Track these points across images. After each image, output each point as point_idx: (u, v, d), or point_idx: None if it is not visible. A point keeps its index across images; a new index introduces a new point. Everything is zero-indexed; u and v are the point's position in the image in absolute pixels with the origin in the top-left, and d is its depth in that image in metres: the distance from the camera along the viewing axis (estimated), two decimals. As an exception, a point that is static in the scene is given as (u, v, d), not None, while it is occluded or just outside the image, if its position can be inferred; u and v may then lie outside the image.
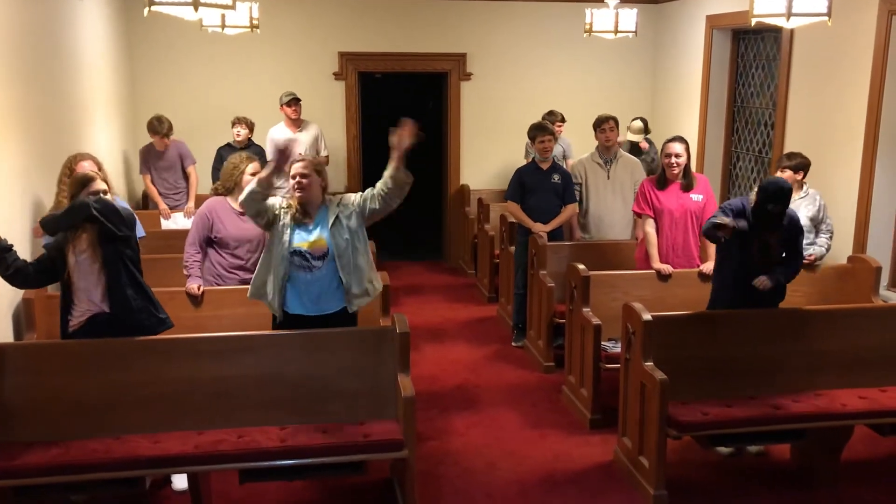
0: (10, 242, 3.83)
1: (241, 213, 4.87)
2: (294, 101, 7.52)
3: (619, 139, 6.76)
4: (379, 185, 4.15)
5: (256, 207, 4.08)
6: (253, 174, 4.93)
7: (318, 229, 4.14)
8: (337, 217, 4.15)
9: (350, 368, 4.09)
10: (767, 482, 4.51)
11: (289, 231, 4.11)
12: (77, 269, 3.92)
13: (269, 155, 7.54)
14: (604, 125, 6.44)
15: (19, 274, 3.86)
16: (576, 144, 8.16)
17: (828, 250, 5.47)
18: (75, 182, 4.06)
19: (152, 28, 7.96)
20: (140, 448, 3.72)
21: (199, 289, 4.87)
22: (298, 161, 4.19)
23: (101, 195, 3.94)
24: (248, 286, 4.84)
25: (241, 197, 4.13)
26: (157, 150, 7.21)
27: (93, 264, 3.91)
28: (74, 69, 6.10)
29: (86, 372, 3.88)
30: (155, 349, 3.97)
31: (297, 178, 4.12)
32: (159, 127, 7.07)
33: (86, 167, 4.70)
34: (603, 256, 6.10)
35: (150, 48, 8.27)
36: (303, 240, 4.12)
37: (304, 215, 4.15)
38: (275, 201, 4.20)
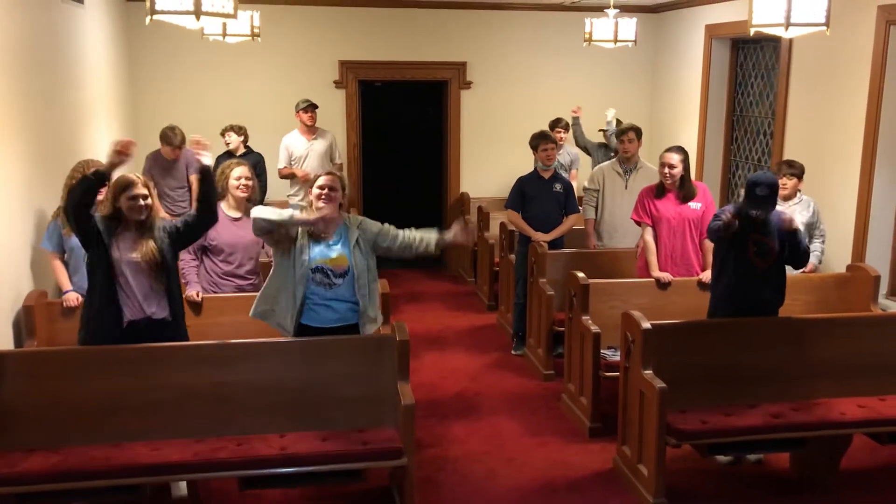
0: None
1: (235, 220, 4.88)
2: (311, 108, 7.53)
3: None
4: (411, 236, 4.21)
5: (263, 231, 4.03)
6: (238, 178, 4.93)
7: (338, 246, 4.12)
8: (357, 239, 4.15)
9: (350, 376, 4.10)
10: (766, 490, 4.51)
11: (307, 248, 4.07)
12: (127, 270, 3.91)
13: (283, 162, 7.57)
14: (623, 136, 6.43)
15: (86, 211, 3.81)
16: (576, 152, 8.18)
17: (819, 261, 5.47)
18: (116, 185, 3.96)
19: (153, 35, 7.98)
20: (140, 455, 3.73)
21: (198, 295, 4.88)
22: (325, 174, 4.17)
23: (142, 200, 3.93)
24: (245, 293, 4.86)
25: (260, 215, 3.99)
26: (165, 160, 7.15)
27: (151, 269, 3.92)
28: (75, 76, 6.12)
29: (86, 379, 3.88)
30: (155, 356, 3.97)
31: (326, 190, 4.07)
32: (174, 138, 6.98)
33: None
34: (602, 265, 6.11)
35: (151, 55, 8.30)
36: (324, 256, 4.08)
37: (320, 232, 4.10)
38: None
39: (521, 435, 5.16)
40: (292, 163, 7.55)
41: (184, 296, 4.83)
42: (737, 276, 4.50)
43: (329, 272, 4.08)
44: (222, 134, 7.38)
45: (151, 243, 3.94)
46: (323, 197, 4.08)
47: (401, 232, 4.27)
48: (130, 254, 3.91)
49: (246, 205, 4.98)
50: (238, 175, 4.93)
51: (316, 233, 4.08)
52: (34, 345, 4.58)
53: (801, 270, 5.35)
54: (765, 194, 4.28)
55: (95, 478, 3.63)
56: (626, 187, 6.40)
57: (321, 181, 4.12)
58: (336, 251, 4.10)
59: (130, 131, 8.05)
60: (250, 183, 4.98)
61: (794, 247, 4.45)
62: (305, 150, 7.55)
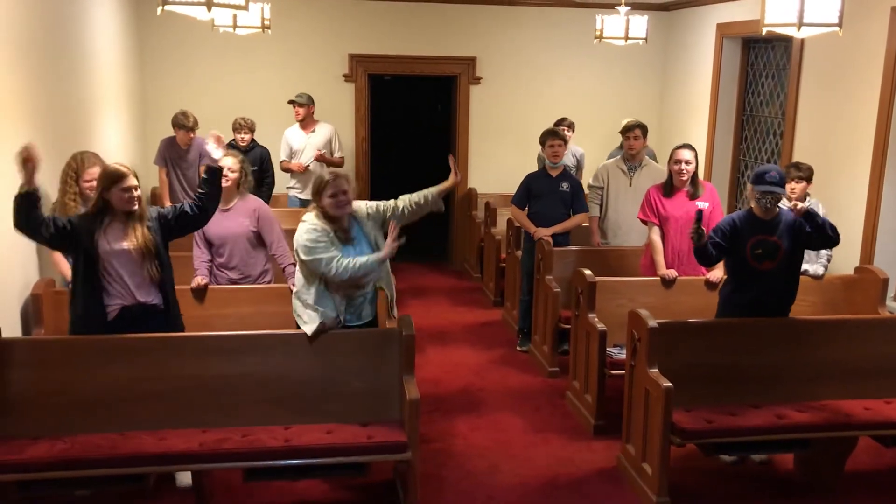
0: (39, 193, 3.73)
1: (224, 210, 4.83)
2: (292, 103, 7.55)
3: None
4: (413, 199, 4.24)
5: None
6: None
7: (362, 246, 4.15)
8: (373, 232, 4.20)
9: (355, 369, 4.10)
10: (770, 491, 4.50)
11: (341, 254, 4.03)
12: (115, 259, 3.91)
13: (283, 154, 7.57)
14: (629, 133, 6.34)
15: (41, 227, 3.76)
16: (585, 150, 8.15)
17: (826, 266, 5.44)
18: (107, 178, 3.93)
19: (163, 26, 7.99)
20: (145, 445, 3.74)
21: (202, 280, 4.88)
22: (336, 178, 4.08)
23: (134, 191, 3.92)
24: (244, 285, 4.86)
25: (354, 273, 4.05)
26: (180, 147, 7.07)
27: (143, 257, 3.92)
28: (85, 66, 6.12)
29: (92, 368, 3.90)
30: (162, 346, 3.99)
31: (339, 197, 4.04)
32: (184, 120, 6.89)
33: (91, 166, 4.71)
34: (609, 263, 6.10)
35: (161, 46, 8.30)
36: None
37: (346, 234, 4.12)
38: (316, 228, 4.06)
39: (524, 431, 5.16)
40: (292, 155, 7.58)
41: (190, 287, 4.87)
42: (738, 280, 4.48)
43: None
44: (235, 130, 7.33)
45: (143, 231, 3.94)
46: (339, 204, 4.06)
47: (401, 201, 4.28)
48: (121, 243, 3.91)
49: (238, 192, 4.94)
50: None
51: (340, 238, 4.09)
52: (41, 333, 4.59)
53: (816, 275, 5.34)
54: (775, 180, 4.27)
55: (100, 466, 3.64)
56: (630, 185, 6.35)
57: (330, 189, 4.04)
58: (364, 252, 4.12)
59: (139, 120, 8.08)
60: (232, 175, 4.86)
61: (818, 228, 4.28)
62: (303, 144, 7.55)
